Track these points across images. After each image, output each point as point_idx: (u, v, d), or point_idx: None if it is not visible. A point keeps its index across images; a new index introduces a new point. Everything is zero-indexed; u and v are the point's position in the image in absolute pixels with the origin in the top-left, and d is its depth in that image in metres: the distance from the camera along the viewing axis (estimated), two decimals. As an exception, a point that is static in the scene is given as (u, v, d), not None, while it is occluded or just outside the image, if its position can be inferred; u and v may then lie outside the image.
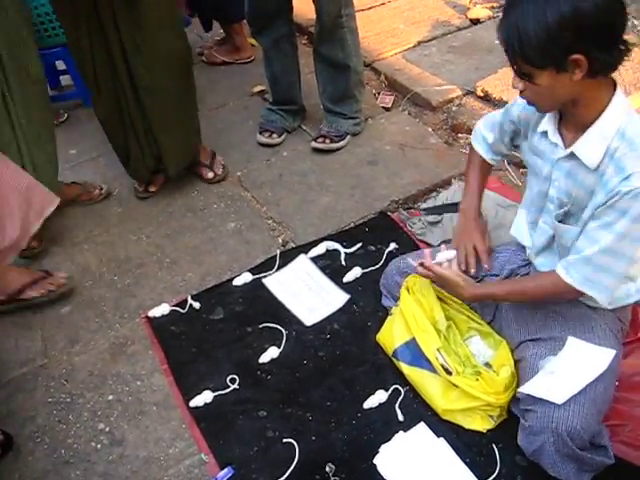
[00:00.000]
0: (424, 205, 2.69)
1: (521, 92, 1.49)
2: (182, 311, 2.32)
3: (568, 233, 1.62)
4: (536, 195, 1.74)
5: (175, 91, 2.60)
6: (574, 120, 1.53)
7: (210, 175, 2.95)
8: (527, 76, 1.42)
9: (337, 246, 2.50)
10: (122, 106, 2.60)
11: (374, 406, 1.93)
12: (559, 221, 1.63)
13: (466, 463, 1.75)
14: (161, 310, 2.32)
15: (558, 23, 1.30)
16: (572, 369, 1.62)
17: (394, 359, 2.00)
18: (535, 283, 1.72)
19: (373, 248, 2.50)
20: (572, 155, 1.54)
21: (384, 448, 1.81)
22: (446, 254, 1.85)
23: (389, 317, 2.06)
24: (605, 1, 1.30)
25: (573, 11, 1.29)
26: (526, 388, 1.64)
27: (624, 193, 1.41)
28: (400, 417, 1.89)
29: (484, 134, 1.95)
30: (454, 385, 1.81)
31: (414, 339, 1.90)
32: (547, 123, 1.61)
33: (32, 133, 2.43)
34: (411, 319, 1.90)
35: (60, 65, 3.73)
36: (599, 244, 1.49)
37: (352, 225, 2.64)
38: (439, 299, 1.95)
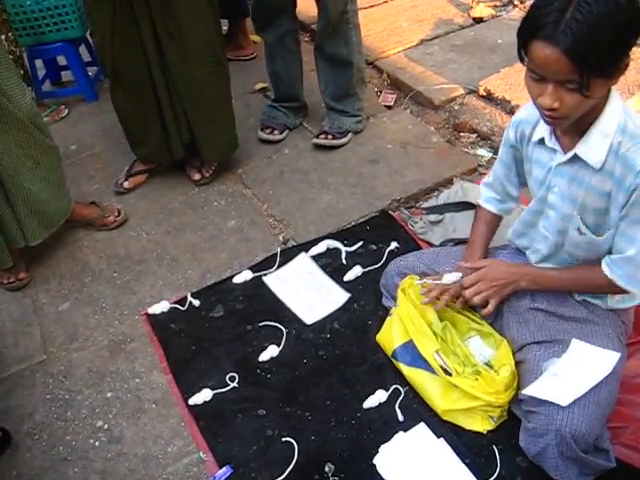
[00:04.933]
0: (425, 204, 2.68)
1: (551, 109, 1.37)
2: (182, 308, 2.31)
3: (595, 243, 1.61)
4: (536, 202, 1.73)
5: (210, 79, 2.62)
6: (574, 124, 1.47)
7: (197, 177, 2.93)
8: (585, 88, 1.30)
9: (338, 244, 2.49)
10: (147, 94, 2.62)
11: (374, 406, 1.92)
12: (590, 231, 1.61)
13: (466, 464, 1.74)
14: (161, 307, 2.31)
15: (626, 23, 1.27)
16: (576, 371, 1.61)
17: (394, 360, 1.99)
18: (585, 274, 1.68)
19: (374, 247, 2.48)
20: (574, 159, 1.53)
21: (384, 448, 1.80)
22: (453, 276, 1.84)
23: (388, 317, 2.05)
24: None
25: (631, 8, 1.26)
26: (530, 390, 1.63)
27: None
28: (400, 417, 1.88)
29: (487, 190, 1.95)
30: (454, 385, 1.80)
31: (412, 340, 1.89)
32: (542, 130, 1.59)
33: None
34: (408, 321, 1.90)
35: (61, 61, 3.72)
36: (635, 244, 1.50)
37: (353, 224, 2.62)
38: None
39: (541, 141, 1.61)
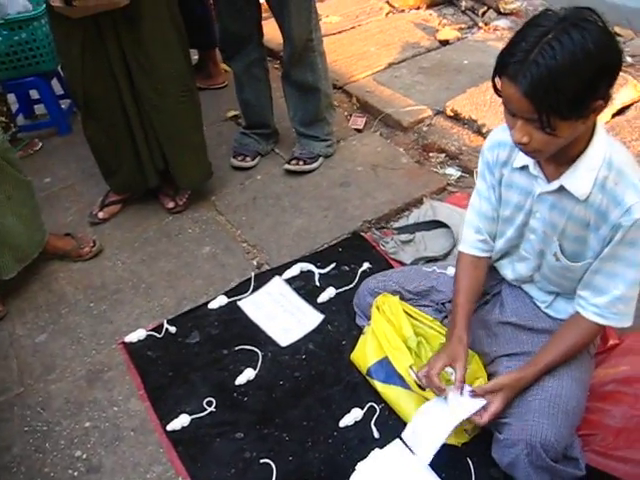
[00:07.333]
0: (396, 224, 2.72)
1: (522, 144, 1.40)
2: (158, 336, 2.32)
3: (571, 269, 1.64)
4: (514, 228, 1.73)
5: (181, 108, 2.65)
6: (558, 155, 1.48)
7: (170, 205, 2.95)
8: (551, 128, 1.33)
9: (311, 267, 2.52)
10: (120, 125, 2.65)
11: (350, 424, 1.95)
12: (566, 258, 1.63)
13: (442, 478, 1.76)
14: (137, 335, 2.32)
15: (593, 71, 1.27)
16: (438, 420, 1.70)
17: (368, 378, 2.01)
18: (574, 339, 1.64)
19: (347, 268, 2.52)
20: (559, 189, 1.54)
21: (360, 465, 1.82)
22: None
23: (362, 336, 2.08)
24: (614, 40, 1.31)
25: (602, 56, 1.28)
26: (404, 433, 1.80)
27: (629, 226, 1.45)
28: (376, 434, 1.90)
29: (472, 230, 1.83)
30: (428, 400, 1.82)
31: (387, 357, 1.92)
32: (525, 157, 1.57)
33: None
34: (383, 338, 1.92)
35: (34, 94, 3.75)
36: (624, 281, 1.53)
37: (326, 246, 2.66)
38: (409, 316, 1.98)
39: (523, 167, 1.62)
